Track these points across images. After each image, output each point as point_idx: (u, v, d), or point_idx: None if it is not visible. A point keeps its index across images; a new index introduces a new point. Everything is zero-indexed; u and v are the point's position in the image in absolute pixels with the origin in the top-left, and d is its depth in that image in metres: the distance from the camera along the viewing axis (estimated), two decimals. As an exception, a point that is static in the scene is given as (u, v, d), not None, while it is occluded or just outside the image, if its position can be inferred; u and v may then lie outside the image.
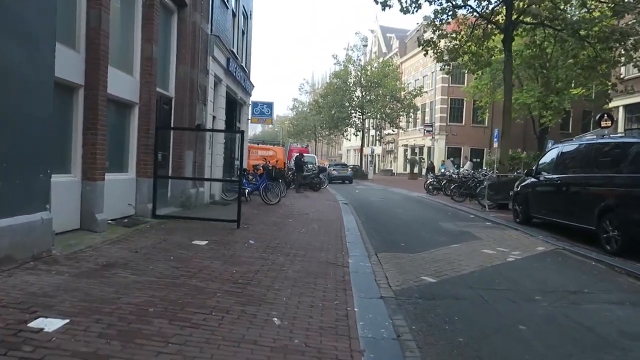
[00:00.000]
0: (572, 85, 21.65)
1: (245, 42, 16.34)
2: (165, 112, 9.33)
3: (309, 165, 25.03)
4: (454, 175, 21.24)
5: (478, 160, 41.90)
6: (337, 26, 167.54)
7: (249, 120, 17.00)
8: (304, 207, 13.07)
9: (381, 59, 43.38)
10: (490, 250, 7.89)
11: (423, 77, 46.74)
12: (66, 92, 6.10)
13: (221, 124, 12.81)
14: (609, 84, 17.54)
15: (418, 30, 55.24)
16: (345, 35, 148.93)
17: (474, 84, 35.59)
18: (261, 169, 13.92)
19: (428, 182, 21.97)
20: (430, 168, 28.80)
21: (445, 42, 17.98)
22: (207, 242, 6.52)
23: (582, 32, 15.77)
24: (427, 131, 37.48)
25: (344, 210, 13.23)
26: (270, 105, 17.78)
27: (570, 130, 41.70)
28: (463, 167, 27.03)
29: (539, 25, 15.95)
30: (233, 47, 13.71)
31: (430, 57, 19.78)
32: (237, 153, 14.98)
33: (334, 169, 30.62)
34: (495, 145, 21.20)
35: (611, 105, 21.16)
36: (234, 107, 15.41)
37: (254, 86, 17.18)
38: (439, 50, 17.78)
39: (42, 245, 4.85)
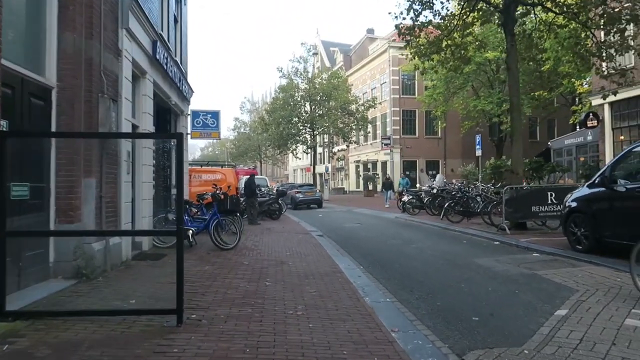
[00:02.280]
0: (566, 79, 19.44)
1: (180, 34, 12.41)
2: (37, 110, 5.26)
3: (262, 189, 21.15)
4: (434, 191, 18.29)
5: (434, 172, 39.96)
6: (274, 45, 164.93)
7: (189, 135, 12.95)
8: (275, 250, 9.21)
9: (329, 72, 40.55)
10: (636, 319, 4.53)
11: (371, 89, 44.61)
12: None
13: (149, 141, 8.78)
14: (605, 72, 15.23)
15: (371, 39, 53.52)
16: (283, 54, 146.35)
17: (429, 92, 33.71)
18: (209, 197, 9.93)
19: (406, 199, 18.80)
20: (389, 185, 25.20)
21: (425, 35, 15.06)
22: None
23: (583, 17, 13.45)
24: (385, 144, 34.84)
25: (329, 249, 9.56)
26: (215, 115, 13.52)
27: (538, 138, 40.81)
28: (432, 181, 24.28)
29: (538, 5, 13.40)
30: (162, 32, 9.79)
31: (405, 55, 16.84)
32: (173, 177, 10.91)
33: (298, 191, 25.39)
34: (479, 153, 18.58)
35: (595, 103, 19.26)
36: (166, 116, 11.38)
37: (193, 91, 13.23)
38: (418, 43, 14.77)
39: None
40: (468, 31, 14.95)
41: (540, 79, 15.34)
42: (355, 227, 15.17)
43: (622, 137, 18.61)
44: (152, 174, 9.35)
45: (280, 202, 18.38)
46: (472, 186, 17.16)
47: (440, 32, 14.69)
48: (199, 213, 10.92)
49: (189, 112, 12.91)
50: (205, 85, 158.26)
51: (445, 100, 33.46)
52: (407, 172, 33.83)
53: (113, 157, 6.47)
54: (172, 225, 8.61)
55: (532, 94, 29.98)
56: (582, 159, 20.94)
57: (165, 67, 9.44)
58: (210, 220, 9.03)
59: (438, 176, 23.81)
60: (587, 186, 8.11)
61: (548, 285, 6.12)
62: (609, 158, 18.47)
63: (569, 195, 8.56)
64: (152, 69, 8.74)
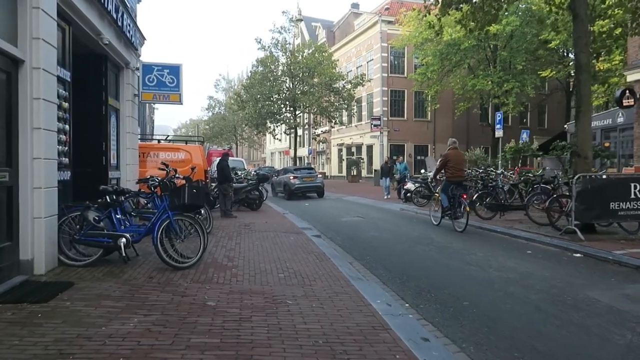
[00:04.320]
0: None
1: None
2: None
3: (239, 173, 17.70)
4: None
5: (422, 157, 37.14)
6: (252, 23, 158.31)
7: (137, 97, 9.29)
8: (261, 268, 5.86)
9: (313, 46, 36.76)
10: None
11: (357, 67, 41.25)
12: None
13: (49, 89, 5.30)
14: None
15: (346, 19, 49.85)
16: (262, 30, 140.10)
17: (421, 70, 30.60)
18: (158, 185, 6.46)
19: (411, 187, 15.69)
20: (387, 170, 21.07)
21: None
22: None
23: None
24: (375, 125, 31.55)
25: (341, 264, 6.32)
26: (175, 71, 9.42)
27: (528, 124, 38.27)
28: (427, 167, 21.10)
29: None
30: None
31: (398, 27, 13.46)
32: (111, 152, 7.43)
33: (294, 176, 19.69)
34: (499, 134, 15.55)
35: (631, 79, 16.45)
36: (99, 65, 7.77)
37: (145, 38, 9.61)
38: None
39: None
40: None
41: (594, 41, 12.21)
42: (358, 222, 11.97)
43: (663, 119, 15.88)
44: (62, 146, 5.85)
45: (260, 188, 15.00)
46: (493, 173, 14.13)
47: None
48: (149, 205, 7.50)
49: (139, 65, 9.29)
50: (175, 59, 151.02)
51: (439, 79, 30.57)
52: (395, 157, 30.74)
53: None
54: (95, 230, 5.23)
55: (539, 72, 27.33)
56: (606, 144, 18.24)
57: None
58: (156, 221, 5.60)
59: (430, 160, 20.70)
60: None
61: None
62: (645, 143, 15.82)
63: None
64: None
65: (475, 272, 6.14)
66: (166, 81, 9.40)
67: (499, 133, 15.08)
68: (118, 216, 5.67)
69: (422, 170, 18.34)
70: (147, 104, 30.39)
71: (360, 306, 4.36)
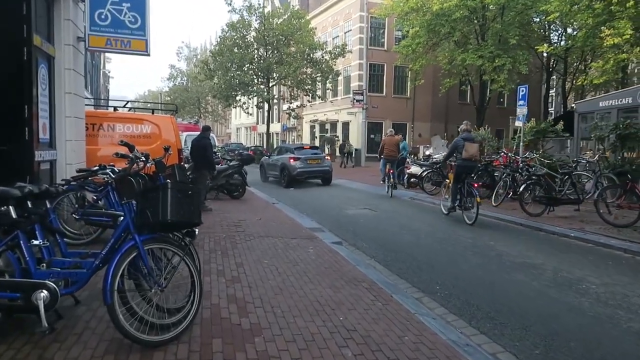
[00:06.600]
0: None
1: None
2: None
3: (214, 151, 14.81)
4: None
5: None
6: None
7: (83, 42, 6.26)
8: (304, 335, 3.27)
9: (290, 11, 33.39)
10: None
11: (333, 38, 38.31)
12: None
13: None
14: None
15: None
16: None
17: (407, 42, 28.08)
18: (115, 180, 3.72)
19: (416, 171, 13.39)
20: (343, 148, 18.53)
21: None
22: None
23: None
24: (357, 101, 29.06)
25: (418, 309, 3.99)
26: (139, 5, 6.18)
27: (505, 105, 36.71)
28: (428, 148, 18.82)
29: None
30: None
31: None
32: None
33: (294, 158, 15.53)
34: (523, 111, 13.32)
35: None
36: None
37: (92, -41, 6.57)
38: None
39: None
40: None
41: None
42: (372, 217, 9.57)
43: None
44: None
45: (244, 172, 12.30)
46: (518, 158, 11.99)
47: None
48: (100, 203, 4.72)
49: (84, -5, 6.28)
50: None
51: (425, 53, 28.29)
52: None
53: None
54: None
55: (536, 47, 25.47)
56: (622, 126, 16.54)
57: None
58: (113, 255, 2.92)
59: (439, 140, 18.35)
60: None
61: None
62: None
63: None
64: None
65: (635, 323, 3.85)
66: (126, 20, 6.44)
67: (522, 110, 12.96)
68: (35, 243, 2.93)
69: (428, 152, 16.04)
70: (100, 64, 26.24)
71: None
